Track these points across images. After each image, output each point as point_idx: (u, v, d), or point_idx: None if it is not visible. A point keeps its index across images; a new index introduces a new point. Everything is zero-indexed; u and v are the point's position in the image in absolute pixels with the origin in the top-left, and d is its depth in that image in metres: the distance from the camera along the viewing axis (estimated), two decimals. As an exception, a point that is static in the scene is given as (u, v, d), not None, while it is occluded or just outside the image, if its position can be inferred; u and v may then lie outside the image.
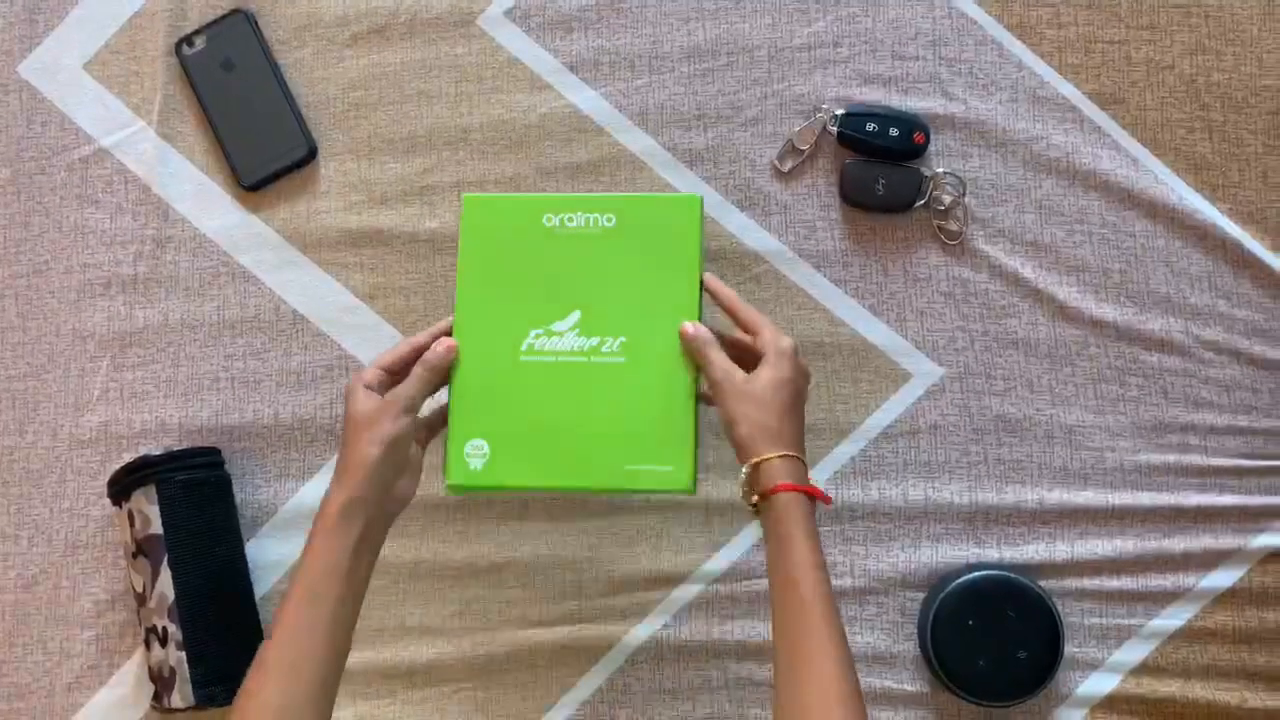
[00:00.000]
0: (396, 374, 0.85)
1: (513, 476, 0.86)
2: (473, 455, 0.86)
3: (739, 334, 0.88)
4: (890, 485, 1.02)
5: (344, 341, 1.05)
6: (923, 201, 1.03)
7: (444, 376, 0.87)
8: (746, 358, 0.85)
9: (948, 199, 1.03)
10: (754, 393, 0.82)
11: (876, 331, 1.03)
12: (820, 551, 0.79)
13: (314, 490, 1.03)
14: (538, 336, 0.87)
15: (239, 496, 1.03)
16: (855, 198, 1.03)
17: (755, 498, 0.81)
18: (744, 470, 0.81)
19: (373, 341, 1.05)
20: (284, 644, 0.77)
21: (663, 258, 0.88)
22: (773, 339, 0.84)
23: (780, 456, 0.80)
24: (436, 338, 0.87)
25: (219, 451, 1.03)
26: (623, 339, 0.87)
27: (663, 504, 1.02)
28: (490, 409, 0.86)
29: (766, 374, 0.82)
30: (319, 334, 1.05)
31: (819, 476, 1.02)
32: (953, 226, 1.03)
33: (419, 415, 0.85)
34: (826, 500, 0.82)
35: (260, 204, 1.06)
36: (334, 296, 1.05)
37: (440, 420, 0.90)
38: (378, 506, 0.82)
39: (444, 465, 0.87)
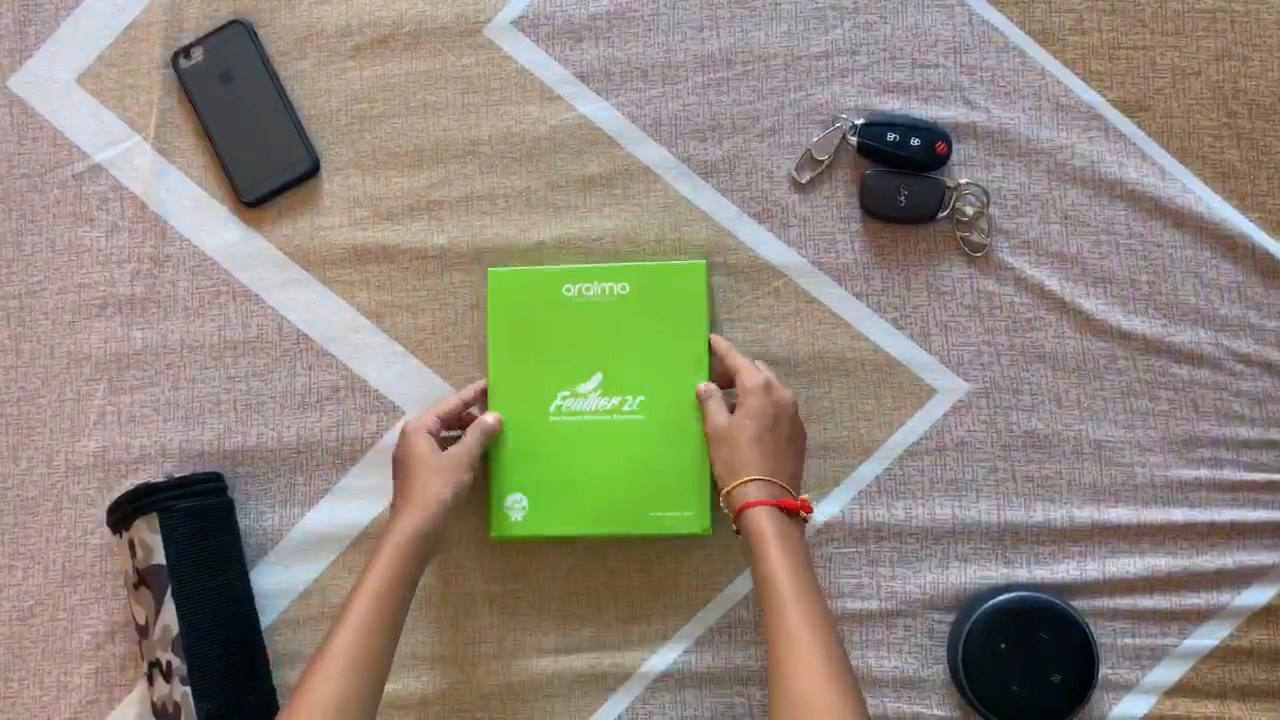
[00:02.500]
0: (449, 425, 0.94)
1: (550, 526, 0.96)
2: (513, 508, 0.96)
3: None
4: (916, 504, 1.00)
5: (350, 361, 1.02)
6: (945, 213, 1.01)
7: (492, 441, 0.95)
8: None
9: (971, 210, 1.01)
10: (725, 434, 0.90)
11: (899, 346, 1.01)
12: (797, 554, 0.83)
13: (319, 516, 1.01)
14: (565, 398, 0.96)
15: (242, 523, 1.00)
16: (876, 209, 1.01)
17: (735, 525, 0.87)
18: (721, 503, 0.89)
19: (379, 361, 1.02)
20: (349, 639, 0.79)
21: (674, 321, 0.97)
22: (745, 380, 0.91)
23: (745, 482, 0.87)
24: (478, 394, 0.96)
25: (222, 477, 1.00)
26: (641, 398, 0.96)
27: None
28: (526, 466, 0.96)
29: (737, 414, 0.90)
30: (324, 354, 1.02)
31: (842, 497, 1.00)
32: (976, 238, 1.01)
33: None
34: (801, 508, 0.87)
35: (261, 220, 1.03)
36: (339, 315, 1.02)
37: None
38: (435, 546, 0.88)
39: (487, 519, 0.96)
